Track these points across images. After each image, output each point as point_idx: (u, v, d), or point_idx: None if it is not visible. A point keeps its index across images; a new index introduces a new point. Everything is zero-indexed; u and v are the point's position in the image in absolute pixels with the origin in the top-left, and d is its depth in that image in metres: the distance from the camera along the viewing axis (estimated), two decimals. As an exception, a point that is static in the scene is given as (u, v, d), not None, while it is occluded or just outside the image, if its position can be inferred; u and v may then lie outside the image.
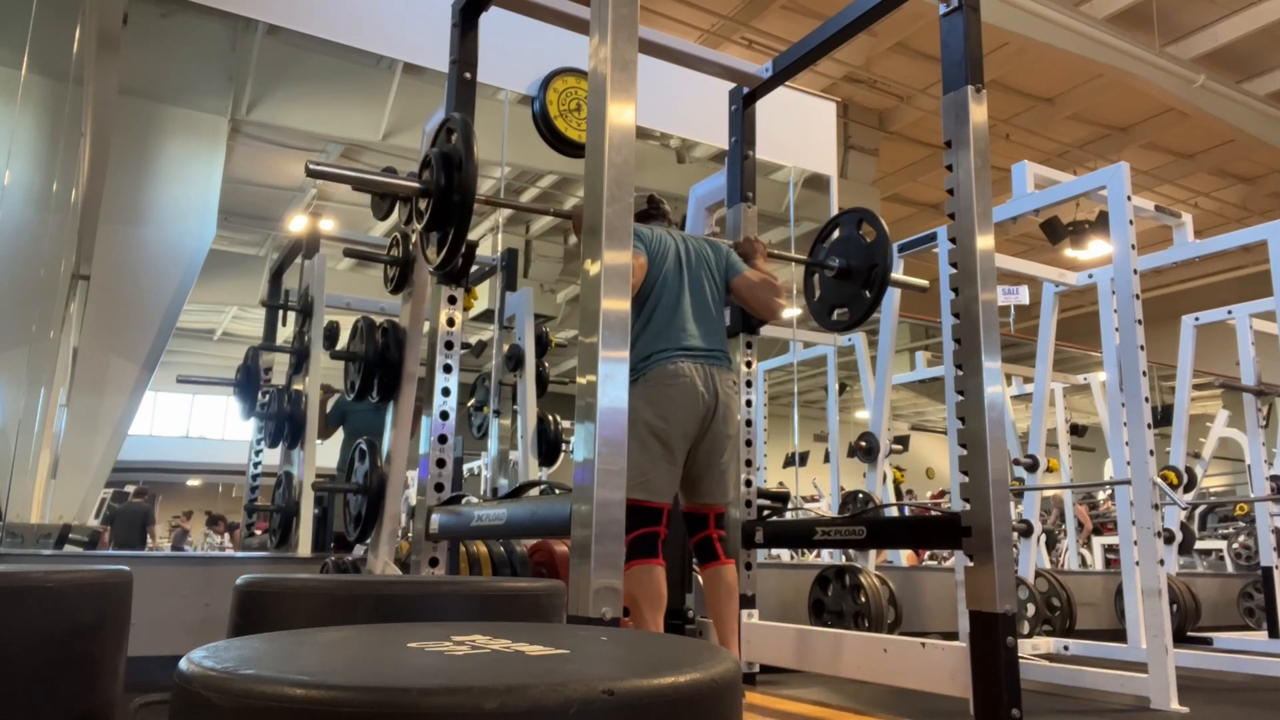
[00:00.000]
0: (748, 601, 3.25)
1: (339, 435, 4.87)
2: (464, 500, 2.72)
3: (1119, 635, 4.57)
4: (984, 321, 2.34)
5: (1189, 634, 5.10)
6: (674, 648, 0.91)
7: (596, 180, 1.94)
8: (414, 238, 3.39)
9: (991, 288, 2.38)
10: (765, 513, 3.28)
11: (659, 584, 2.66)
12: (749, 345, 3.46)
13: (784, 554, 5.84)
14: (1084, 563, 8.22)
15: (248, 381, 4.67)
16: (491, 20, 2.95)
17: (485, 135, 3.67)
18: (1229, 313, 5.59)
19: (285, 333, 4.93)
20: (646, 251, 2.79)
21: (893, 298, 4.86)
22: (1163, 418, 6.01)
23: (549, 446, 5.39)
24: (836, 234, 3.24)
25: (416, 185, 2.42)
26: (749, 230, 3.51)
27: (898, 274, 3.37)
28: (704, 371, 2.71)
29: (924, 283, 3.48)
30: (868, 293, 3.08)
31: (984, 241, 2.39)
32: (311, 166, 2.40)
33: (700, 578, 3.01)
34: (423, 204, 2.44)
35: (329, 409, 4.89)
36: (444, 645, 0.87)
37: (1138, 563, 3.59)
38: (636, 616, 2.64)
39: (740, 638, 3.11)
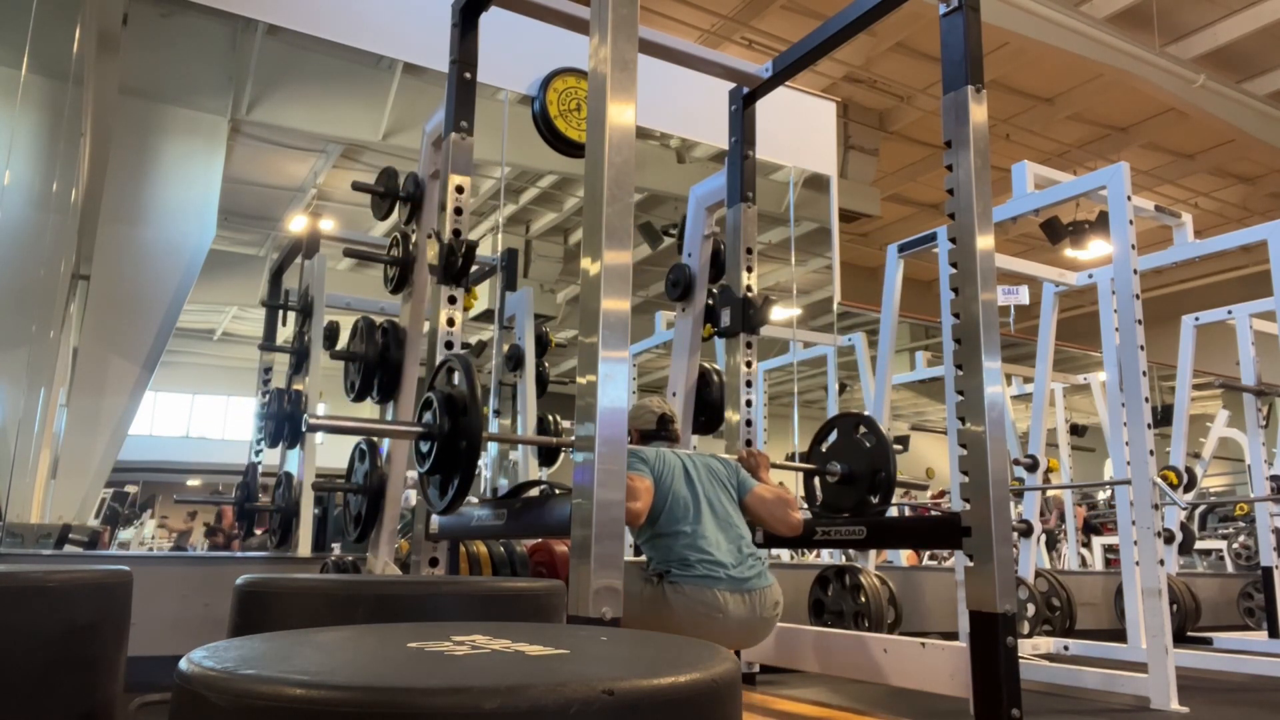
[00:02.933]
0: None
1: (342, 439, 4.88)
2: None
3: (1119, 635, 4.57)
4: (984, 321, 2.34)
5: (1189, 634, 5.10)
6: (674, 648, 0.91)
7: (596, 180, 1.94)
8: (414, 237, 3.39)
9: (991, 288, 2.38)
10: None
11: None
12: (749, 345, 3.47)
13: (784, 554, 5.84)
14: (1084, 563, 8.22)
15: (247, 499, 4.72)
16: (491, 20, 2.95)
17: (485, 135, 3.68)
18: (1229, 313, 5.59)
19: (285, 333, 4.93)
20: (651, 473, 2.68)
21: (893, 298, 4.86)
22: (1163, 418, 6.00)
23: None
24: (834, 437, 3.20)
25: (419, 429, 2.29)
26: (749, 231, 3.51)
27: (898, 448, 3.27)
28: (743, 600, 2.57)
29: (926, 483, 3.49)
30: (874, 498, 3.03)
31: (984, 241, 2.39)
32: (311, 421, 2.28)
33: None
34: (424, 446, 2.31)
35: None
36: (444, 645, 0.87)
37: (1138, 563, 3.59)
38: None
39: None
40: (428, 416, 2.29)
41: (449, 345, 2.80)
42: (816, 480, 3.24)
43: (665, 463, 2.73)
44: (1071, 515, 7.67)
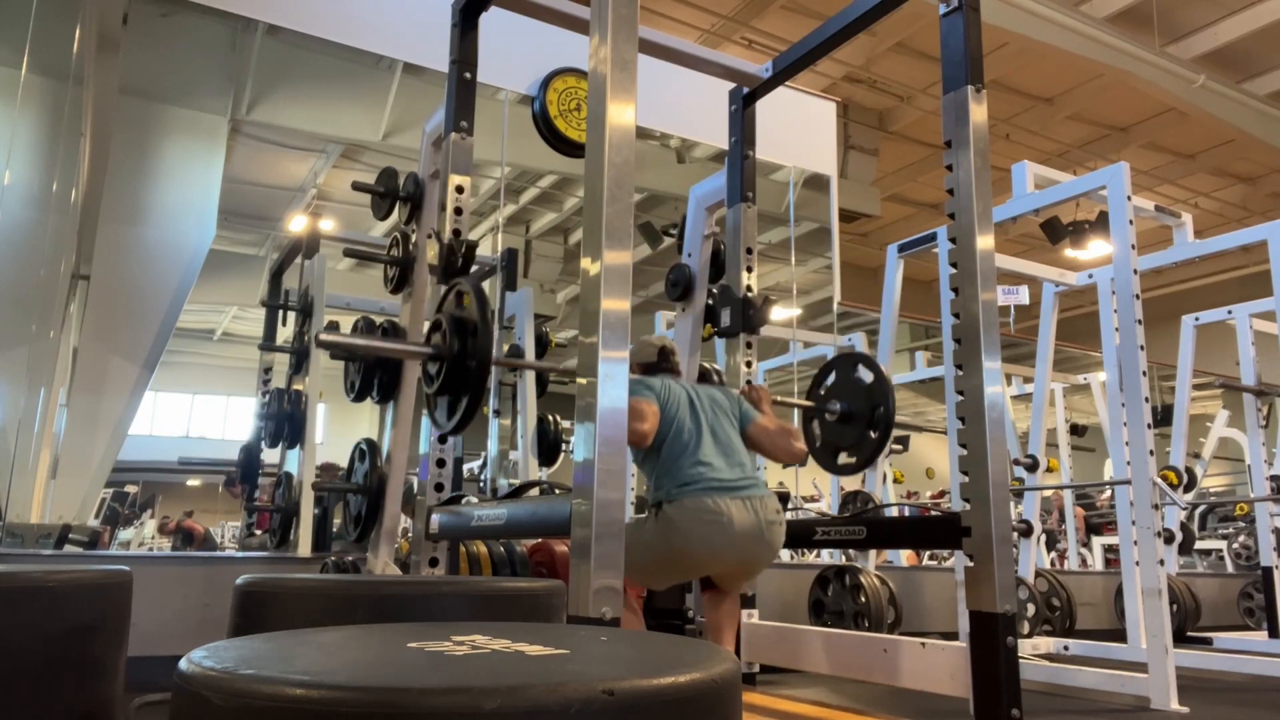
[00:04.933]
0: (748, 601, 3.25)
1: (341, 441, 4.89)
2: (464, 500, 2.73)
3: (1119, 635, 4.57)
4: (984, 321, 2.34)
5: (1189, 634, 5.10)
6: (674, 648, 0.91)
7: (596, 180, 1.94)
8: (414, 237, 3.40)
9: (991, 288, 2.38)
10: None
11: (638, 620, 2.73)
12: (749, 345, 3.46)
13: (784, 554, 5.83)
14: (1084, 563, 8.22)
15: (249, 463, 4.74)
16: (491, 20, 2.95)
17: (485, 135, 3.68)
18: (1229, 313, 5.59)
19: (285, 333, 4.93)
20: (657, 400, 2.72)
21: (893, 298, 4.86)
22: (1163, 418, 6.00)
23: (549, 446, 5.39)
24: (833, 378, 3.23)
25: (428, 350, 2.32)
26: (749, 231, 3.51)
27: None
28: (744, 505, 2.60)
29: (899, 448, 3.53)
30: (873, 434, 3.06)
31: (984, 241, 2.39)
32: (323, 337, 2.34)
33: (703, 593, 3.05)
34: (433, 368, 2.33)
35: None
36: (444, 645, 0.87)
37: (1138, 563, 3.59)
38: None
39: (740, 639, 3.12)
40: (437, 338, 2.32)
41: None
42: (816, 423, 3.26)
43: (670, 392, 2.78)
44: (1071, 515, 7.67)
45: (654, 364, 3.03)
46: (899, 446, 5.69)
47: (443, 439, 2.84)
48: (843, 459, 3.19)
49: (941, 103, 2.52)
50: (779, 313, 6.50)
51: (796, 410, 3.29)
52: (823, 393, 3.24)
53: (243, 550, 5.17)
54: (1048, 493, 7.07)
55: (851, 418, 3.13)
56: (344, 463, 3.63)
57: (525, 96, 4.10)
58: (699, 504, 2.57)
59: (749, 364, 3.47)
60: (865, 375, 3.14)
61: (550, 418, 5.44)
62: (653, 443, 2.68)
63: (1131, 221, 3.55)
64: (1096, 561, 8.61)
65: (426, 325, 2.39)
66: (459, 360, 2.25)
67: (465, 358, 2.24)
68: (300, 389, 4.46)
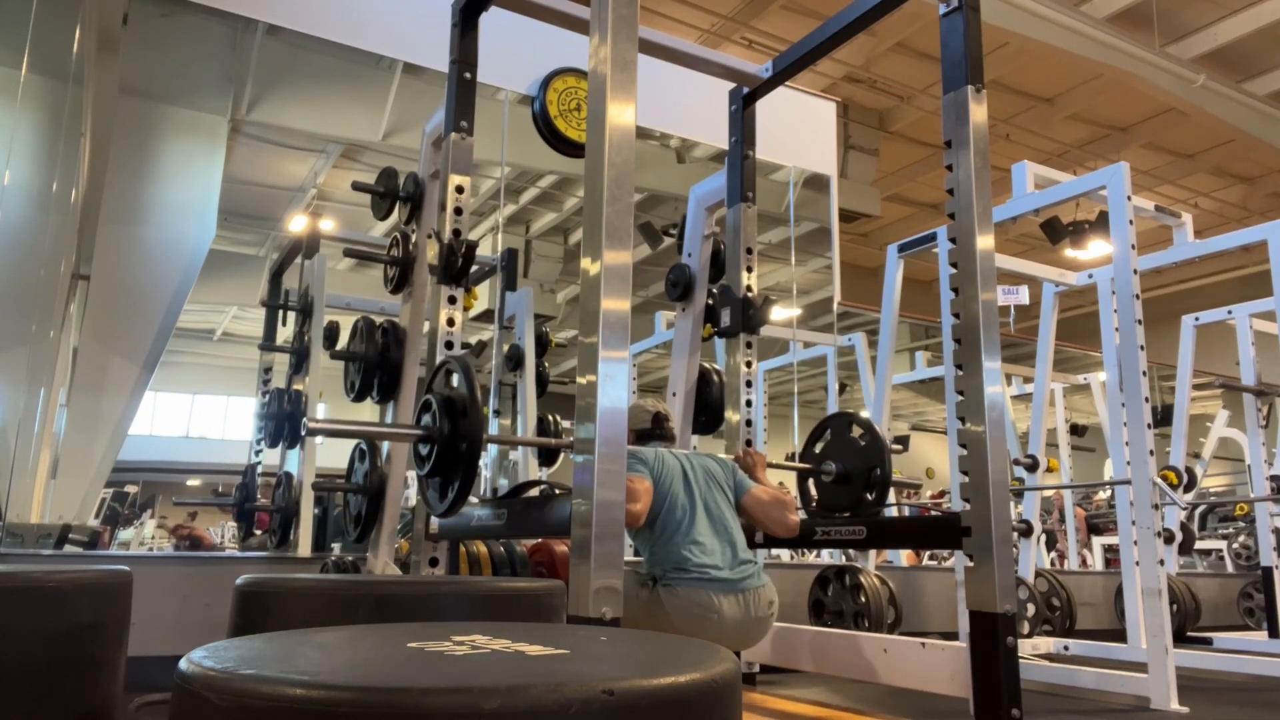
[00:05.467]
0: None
1: (343, 441, 4.89)
2: (464, 500, 2.72)
3: (1119, 635, 4.57)
4: (984, 321, 2.34)
5: (1189, 634, 5.10)
6: (674, 648, 0.91)
7: (596, 180, 1.94)
8: (414, 237, 3.40)
9: (991, 288, 2.38)
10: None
11: None
12: (749, 345, 3.46)
13: (784, 554, 5.84)
14: (1084, 563, 8.22)
15: (244, 504, 4.74)
16: (491, 20, 2.95)
17: (485, 135, 3.68)
18: (1229, 313, 5.59)
19: (285, 333, 4.93)
20: (650, 474, 2.69)
21: (893, 298, 4.86)
22: (1163, 418, 6.00)
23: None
24: (828, 437, 3.19)
25: (418, 432, 2.28)
26: (749, 231, 3.51)
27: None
28: (736, 601, 2.58)
29: (919, 481, 3.48)
30: (870, 495, 3.02)
31: (984, 241, 2.39)
32: (312, 425, 2.26)
33: None
34: (424, 449, 2.30)
35: None
36: (444, 645, 0.87)
37: (1138, 563, 3.59)
38: None
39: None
40: (426, 419, 2.28)
41: (449, 345, 2.80)
42: (811, 481, 3.23)
43: (664, 464, 2.73)
44: (1071, 515, 7.67)
45: (647, 431, 2.98)
46: (899, 446, 5.69)
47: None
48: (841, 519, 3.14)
49: (941, 103, 2.52)
50: (779, 313, 6.50)
51: (787, 490, 3.24)
52: (818, 452, 3.21)
53: (243, 550, 5.17)
54: (1048, 493, 7.07)
55: (848, 479, 3.09)
56: (344, 463, 3.63)
57: (525, 96, 4.10)
58: (691, 596, 2.55)
59: (749, 364, 3.48)
60: (860, 436, 3.11)
61: (550, 418, 5.45)
62: (645, 520, 2.65)
63: (1131, 221, 3.55)
64: (1096, 561, 8.61)
65: (416, 407, 2.36)
66: (450, 442, 2.21)
67: (456, 440, 2.20)
68: (300, 389, 4.46)
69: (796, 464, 3.25)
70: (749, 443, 3.39)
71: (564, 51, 3.26)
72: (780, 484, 3.13)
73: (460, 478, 2.23)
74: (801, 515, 3.03)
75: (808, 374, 7.31)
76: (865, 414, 4.97)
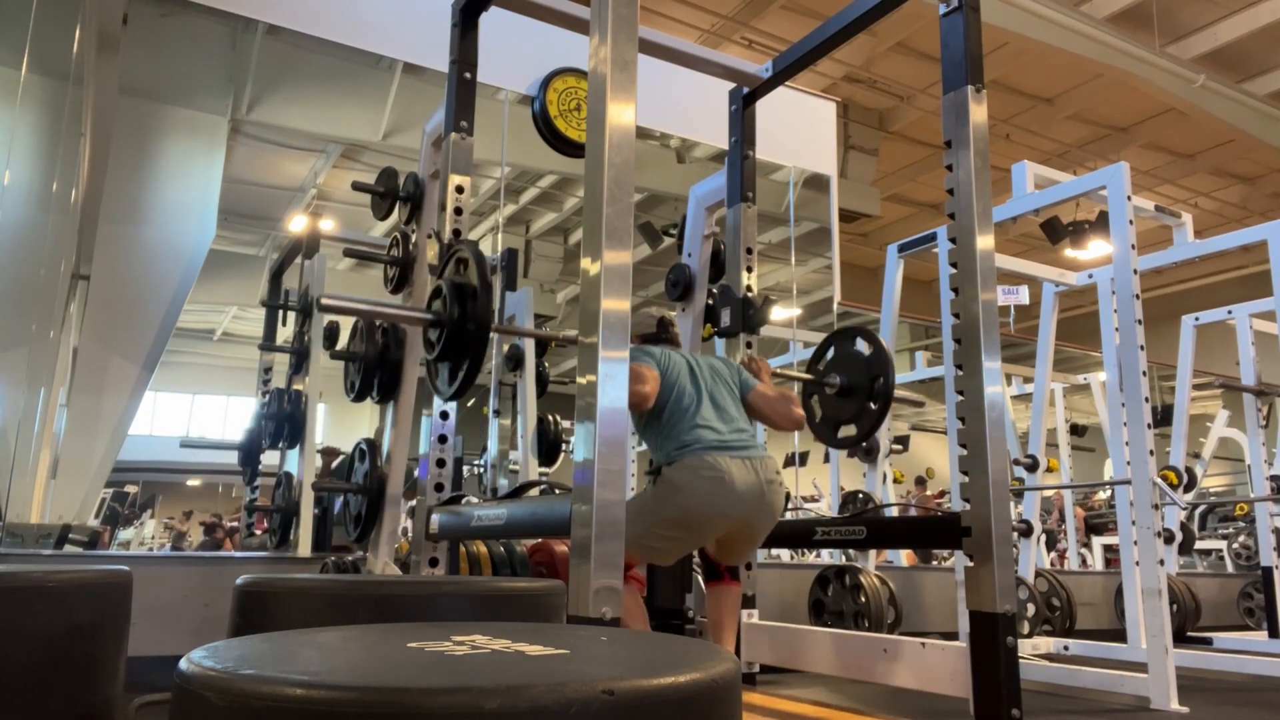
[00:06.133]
0: (748, 601, 3.25)
1: (341, 440, 4.90)
2: (464, 500, 2.73)
3: (1119, 635, 4.57)
4: (984, 321, 2.34)
5: (1189, 634, 5.10)
6: (674, 648, 0.91)
7: (596, 180, 1.94)
8: (414, 237, 3.40)
9: (991, 288, 2.38)
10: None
11: (636, 604, 2.72)
12: (749, 345, 3.47)
13: (784, 554, 5.83)
14: (1084, 563, 8.22)
15: (251, 448, 4.74)
16: (491, 20, 2.95)
17: (485, 135, 3.68)
18: (1229, 313, 5.59)
19: (285, 333, 4.93)
20: (658, 366, 2.75)
21: (893, 298, 4.86)
22: (1163, 418, 6.00)
23: (549, 446, 5.39)
24: (832, 352, 3.22)
25: (428, 316, 2.33)
26: (749, 231, 3.52)
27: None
28: (744, 465, 2.62)
29: (920, 399, 3.50)
30: (873, 405, 3.04)
31: (984, 241, 2.39)
32: (326, 302, 2.34)
33: (705, 588, 3.05)
34: (433, 334, 2.35)
35: (333, 466, 4.97)
36: (444, 645, 0.87)
37: (1138, 563, 3.59)
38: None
39: (740, 639, 3.12)
40: (437, 304, 2.33)
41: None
42: (815, 399, 3.25)
43: (671, 359, 2.81)
44: (1071, 515, 7.67)
45: (653, 335, 3.07)
46: (899, 446, 5.69)
47: (442, 439, 2.84)
48: (843, 432, 3.17)
49: (941, 103, 2.52)
50: (779, 313, 6.51)
51: (796, 385, 3.27)
52: (822, 367, 3.24)
53: (243, 550, 5.17)
54: (1048, 493, 7.07)
55: (851, 391, 3.12)
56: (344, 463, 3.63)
57: (525, 96, 4.10)
58: (699, 462, 2.59)
59: (749, 364, 3.48)
60: (864, 348, 3.14)
61: (550, 418, 5.45)
62: (653, 408, 2.72)
63: (1131, 221, 3.55)
64: (1096, 561, 8.62)
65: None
66: (459, 325, 2.27)
67: (465, 322, 2.26)
68: (300, 389, 4.46)
69: (801, 375, 3.28)
70: (750, 344, 3.42)
71: (564, 51, 3.26)
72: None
73: (468, 361, 2.29)
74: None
75: (808, 374, 7.31)
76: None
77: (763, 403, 2.90)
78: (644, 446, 2.92)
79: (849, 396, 3.12)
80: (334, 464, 5.00)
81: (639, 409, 2.69)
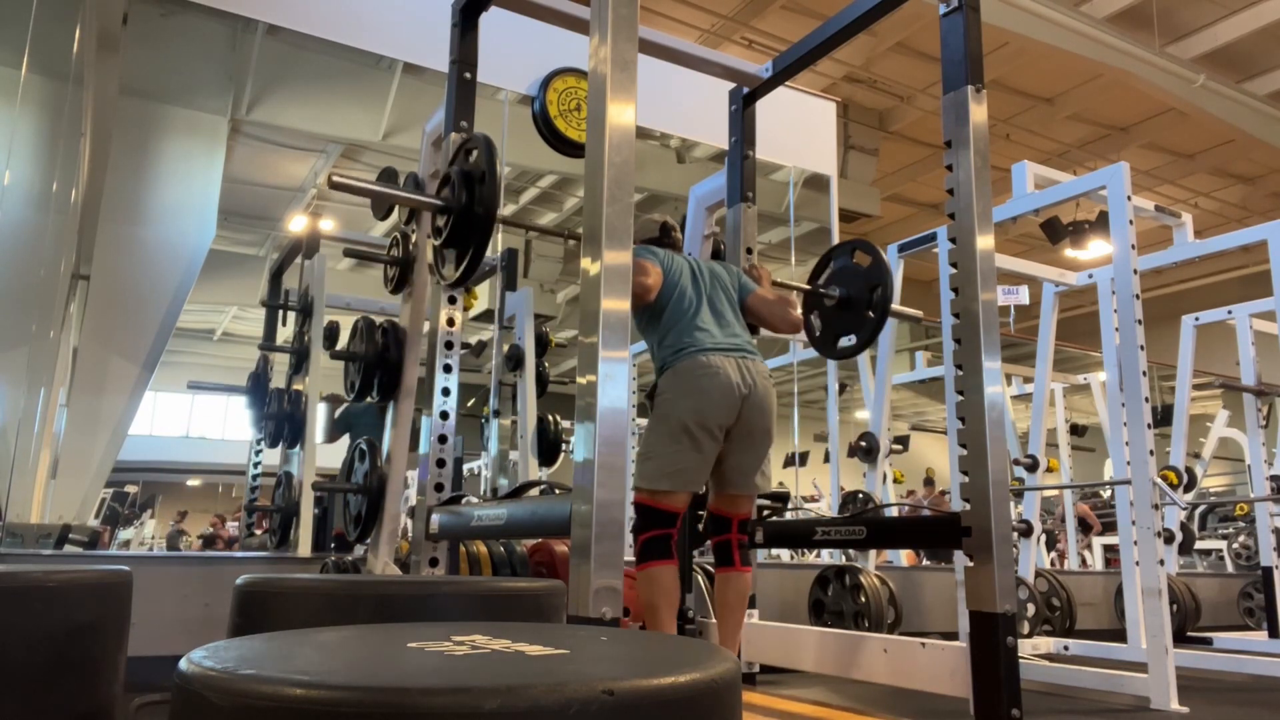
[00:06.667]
0: (748, 601, 3.24)
1: (344, 440, 4.89)
2: (464, 500, 2.72)
3: (1119, 635, 4.57)
4: (984, 321, 2.34)
5: (1189, 634, 5.10)
6: (674, 648, 0.91)
7: (596, 180, 1.94)
8: (414, 237, 3.40)
9: (991, 288, 2.38)
10: (765, 513, 3.28)
11: (674, 583, 2.70)
12: (749, 252, 3.48)
13: (784, 554, 5.83)
14: (1084, 563, 8.22)
15: (257, 387, 4.71)
16: (491, 20, 2.95)
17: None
18: (1229, 313, 5.59)
19: (285, 333, 4.93)
20: (660, 264, 2.82)
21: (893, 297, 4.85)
22: (1163, 418, 6.01)
23: (549, 446, 5.39)
24: (831, 267, 3.25)
25: (437, 202, 2.40)
26: (749, 231, 3.51)
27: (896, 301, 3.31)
28: (736, 364, 2.70)
29: (919, 313, 3.53)
30: (871, 314, 3.07)
31: (984, 241, 2.39)
32: (336, 178, 2.35)
33: (714, 577, 3.03)
34: (440, 220, 2.42)
35: (336, 415, 4.92)
36: (444, 645, 0.87)
37: (1138, 563, 3.59)
38: (652, 617, 2.65)
39: (741, 639, 3.11)
40: (446, 191, 2.38)
41: (449, 345, 2.79)
42: (815, 312, 3.26)
43: (673, 260, 2.87)
44: (1071, 515, 7.67)
45: (655, 239, 3.08)
46: (899, 446, 5.69)
47: (442, 439, 2.83)
48: (843, 343, 3.19)
49: (941, 103, 2.52)
50: (779, 313, 6.49)
51: (795, 294, 3.30)
52: (821, 280, 3.26)
53: (243, 550, 5.17)
54: (1049, 493, 7.07)
55: (850, 303, 3.15)
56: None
57: (525, 96, 4.10)
58: (694, 362, 2.67)
59: (749, 364, 3.47)
60: (863, 259, 3.15)
61: (550, 418, 5.45)
62: (655, 306, 2.79)
63: (1131, 221, 3.55)
64: (1096, 561, 8.62)
65: (436, 181, 2.46)
66: (466, 210, 2.32)
67: (473, 206, 2.31)
68: (300, 389, 4.46)
69: (800, 284, 3.29)
70: (749, 249, 3.44)
71: (564, 51, 3.26)
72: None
73: (474, 246, 2.34)
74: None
75: (808, 374, 7.32)
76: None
77: (761, 305, 2.96)
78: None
79: (848, 308, 3.14)
80: (336, 414, 4.98)
81: (641, 299, 2.76)
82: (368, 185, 2.58)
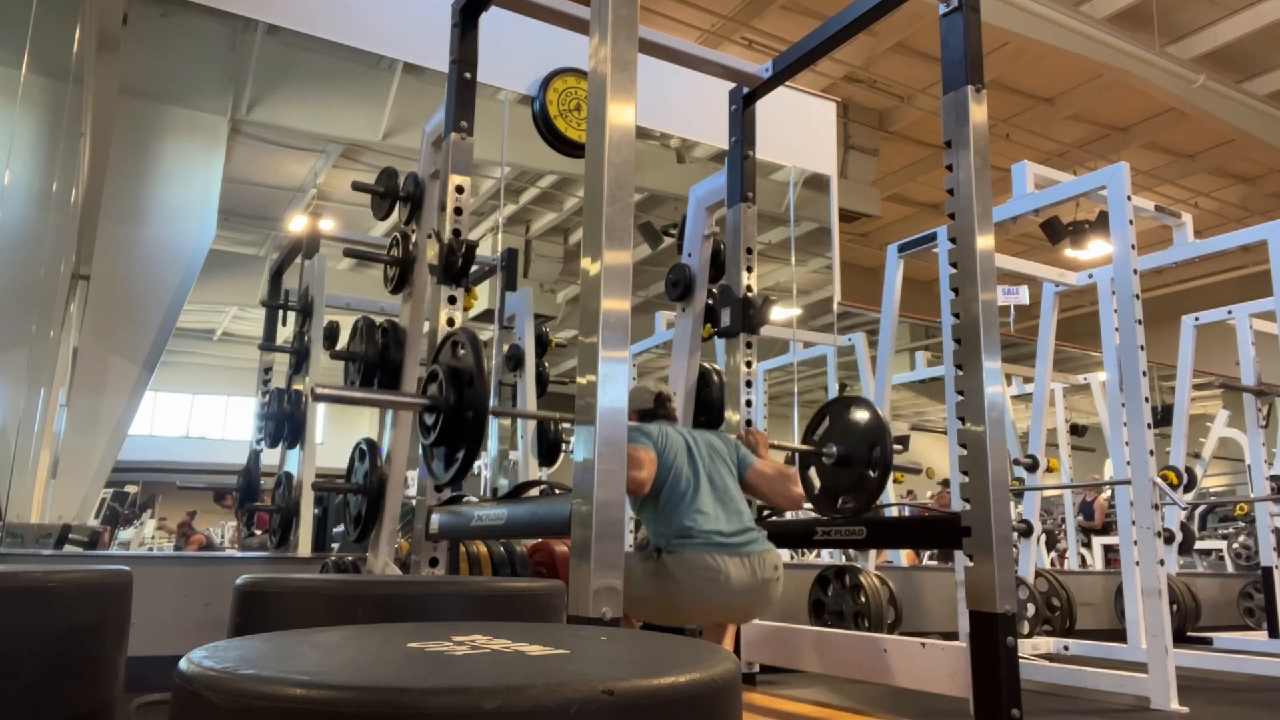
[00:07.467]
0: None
1: (344, 440, 4.90)
2: (464, 500, 2.72)
3: (1119, 635, 4.57)
4: (984, 321, 2.34)
5: (1189, 634, 5.10)
6: (674, 648, 0.91)
7: (596, 180, 1.94)
8: (414, 237, 3.40)
9: (991, 288, 2.38)
10: (765, 513, 3.28)
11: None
12: (749, 345, 3.47)
13: (784, 554, 5.82)
14: (1084, 563, 8.22)
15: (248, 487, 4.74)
16: (491, 20, 2.95)
17: (485, 135, 3.68)
18: (1229, 313, 5.59)
19: (285, 333, 4.93)
20: (655, 447, 2.70)
21: (893, 298, 4.86)
22: (1163, 418, 6.00)
23: (549, 446, 5.39)
24: (828, 422, 3.18)
25: (424, 401, 2.30)
26: (749, 231, 3.52)
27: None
28: (742, 562, 2.57)
29: (919, 466, 3.50)
30: (872, 474, 3.01)
31: (984, 241, 2.39)
32: (318, 390, 2.25)
33: None
34: (429, 419, 2.31)
35: None
36: (444, 645, 0.87)
37: (1138, 563, 3.59)
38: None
39: (740, 639, 3.12)
40: (433, 389, 2.30)
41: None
42: (813, 469, 3.23)
43: (668, 439, 2.75)
44: (1071, 515, 7.67)
45: (650, 411, 2.99)
46: (899, 446, 5.69)
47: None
48: (843, 502, 3.11)
49: (941, 103, 2.52)
50: (779, 313, 6.50)
51: (794, 455, 3.24)
52: (818, 437, 3.20)
53: (243, 550, 5.17)
54: (1049, 493, 7.07)
55: (849, 461, 3.07)
56: (344, 463, 3.62)
57: (525, 96, 4.10)
58: (697, 559, 2.54)
59: (749, 364, 3.48)
60: (861, 416, 3.11)
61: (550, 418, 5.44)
62: (650, 490, 2.66)
63: (1131, 221, 3.55)
64: (1096, 561, 8.61)
65: (423, 376, 2.38)
66: (456, 411, 2.22)
67: (462, 409, 2.22)
68: (300, 389, 4.46)
69: (799, 445, 3.25)
70: (749, 422, 3.40)
71: (564, 51, 3.26)
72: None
73: (465, 447, 2.26)
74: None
75: (808, 374, 7.31)
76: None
77: (761, 482, 2.86)
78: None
79: (847, 466, 3.07)
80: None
81: (635, 495, 2.65)
82: (352, 393, 2.50)
